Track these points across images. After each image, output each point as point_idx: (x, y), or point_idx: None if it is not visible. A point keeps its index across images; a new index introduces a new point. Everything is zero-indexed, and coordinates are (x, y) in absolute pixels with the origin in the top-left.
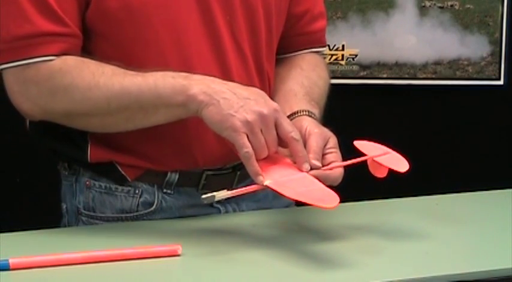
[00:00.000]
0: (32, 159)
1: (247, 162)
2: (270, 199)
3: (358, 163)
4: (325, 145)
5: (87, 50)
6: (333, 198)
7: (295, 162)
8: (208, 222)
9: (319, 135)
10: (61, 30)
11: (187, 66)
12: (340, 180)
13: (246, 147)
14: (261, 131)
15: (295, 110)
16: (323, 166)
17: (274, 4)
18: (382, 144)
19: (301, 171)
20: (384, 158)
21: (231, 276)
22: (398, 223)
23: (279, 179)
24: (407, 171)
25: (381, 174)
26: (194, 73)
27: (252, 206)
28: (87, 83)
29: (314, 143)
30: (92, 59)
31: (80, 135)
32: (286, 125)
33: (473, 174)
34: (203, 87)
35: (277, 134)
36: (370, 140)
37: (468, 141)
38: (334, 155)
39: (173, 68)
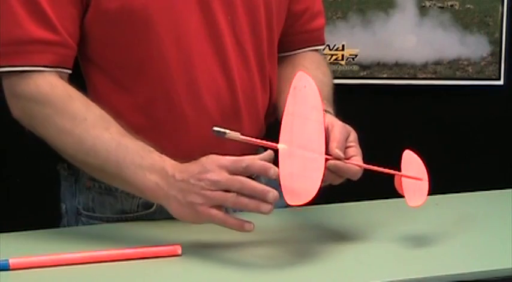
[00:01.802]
0: (32, 159)
1: (226, 224)
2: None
3: (383, 173)
4: (347, 139)
5: (86, 55)
6: (305, 196)
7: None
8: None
9: (342, 126)
10: (51, 38)
11: (188, 67)
12: (359, 175)
13: (216, 217)
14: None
15: None
16: (345, 159)
17: (274, 2)
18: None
19: (327, 152)
20: (410, 182)
21: (231, 276)
22: (399, 223)
23: (293, 148)
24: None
25: (403, 192)
26: (195, 74)
27: None
28: (62, 125)
29: (338, 133)
30: (82, 94)
31: None
32: (236, 163)
33: (473, 174)
34: (159, 179)
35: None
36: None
37: (468, 141)
38: (354, 150)
39: (174, 69)
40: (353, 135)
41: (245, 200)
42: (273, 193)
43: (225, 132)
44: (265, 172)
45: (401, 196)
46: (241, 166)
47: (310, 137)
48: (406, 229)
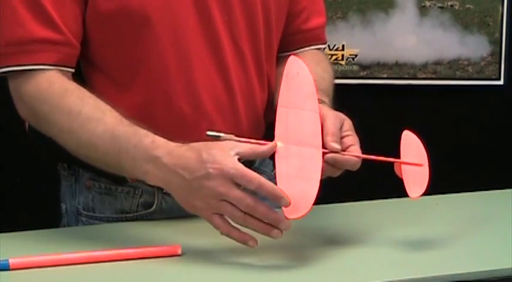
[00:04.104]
0: (32, 159)
1: (229, 236)
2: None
3: (382, 161)
4: (341, 128)
5: (85, 55)
6: (300, 209)
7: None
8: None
9: (334, 116)
10: (55, 38)
11: (186, 67)
12: (358, 165)
13: (219, 228)
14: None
15: None
16: (342, 150)
17: (273, 3)
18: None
19: (323, 145)
20: (411, 169)
21: (231, 277)
22: (398, 223)
23: (289, 146)
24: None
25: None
26: (193, 74)
27: None
28: (60, 122)
29: (331, 125)
30: (79, 85)
31: None
32: (245, 181)
33: (473, 174)
34: (154, 168)
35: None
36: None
37: (468, 141)
38: (351, 138)
39: (172, 69)
40: (347, 124)
41: (254, 222)
42: (285, 223)
43: (219, 136)
44: (277, 200)
45: (402, 196)
46: (251, 184)
47: (306, 129)
48: (406, 229)
